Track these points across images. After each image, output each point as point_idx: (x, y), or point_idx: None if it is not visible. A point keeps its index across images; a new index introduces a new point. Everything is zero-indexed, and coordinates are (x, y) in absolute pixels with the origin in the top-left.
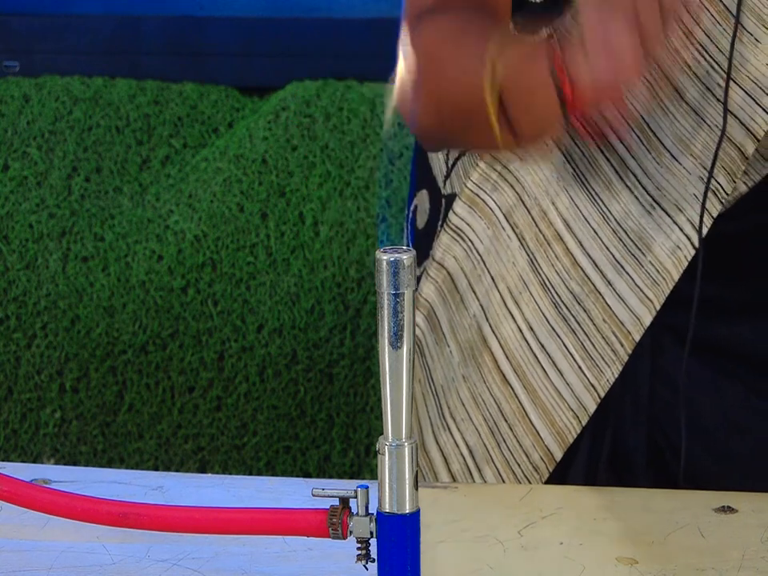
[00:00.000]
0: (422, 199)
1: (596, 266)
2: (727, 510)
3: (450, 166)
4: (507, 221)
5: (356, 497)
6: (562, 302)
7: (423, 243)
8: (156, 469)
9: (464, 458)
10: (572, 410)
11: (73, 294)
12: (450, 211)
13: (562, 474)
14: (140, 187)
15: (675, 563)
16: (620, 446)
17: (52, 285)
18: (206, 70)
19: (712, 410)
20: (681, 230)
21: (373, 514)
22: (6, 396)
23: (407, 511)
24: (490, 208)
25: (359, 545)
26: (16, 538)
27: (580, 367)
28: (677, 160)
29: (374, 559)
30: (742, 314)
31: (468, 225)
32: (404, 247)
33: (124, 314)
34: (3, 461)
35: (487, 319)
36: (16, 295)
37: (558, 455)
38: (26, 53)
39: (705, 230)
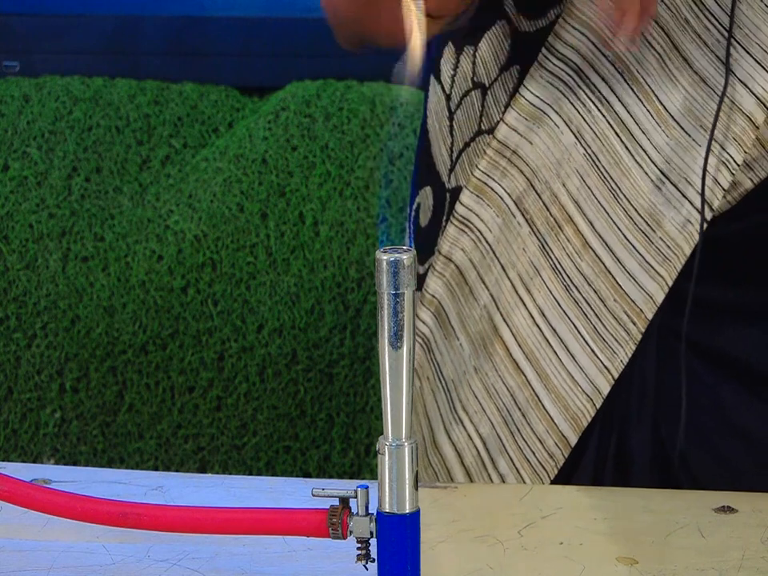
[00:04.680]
0: (425, 196)
1: (607, 245)
2: (727, 510)
3: (454, 159)
4: (517, 207)
5: (356, 497)
6: (573, 284)
7: (427, 241)
8: (156, 469)
9: (477, 451)
10: (585, 394)
11: (73, 294)
12: (457, 202)
13: (569, 474)
14: (140, 187)
15: (675, 563)
16: (625, 447)
17: (52, 285)
18: (206, 70)
19: (713, 412)
20: (691, 203)
21: (373, 513)
22: (6, 396)
23: (407, 511)
24: (499, 195)
25: (359, 545)
26: (16, 537)
27: (592, 350)
28: (686, 132)
29: (374, 559)
30: (745, 316)
31: (476, 214)
32: (404, 247)
33: (124, 314)
34: (3, 461)
35: (498, 308)
36: (16, 295)
37: (573, 440)
38: (26, 53)
39: (716, 203)
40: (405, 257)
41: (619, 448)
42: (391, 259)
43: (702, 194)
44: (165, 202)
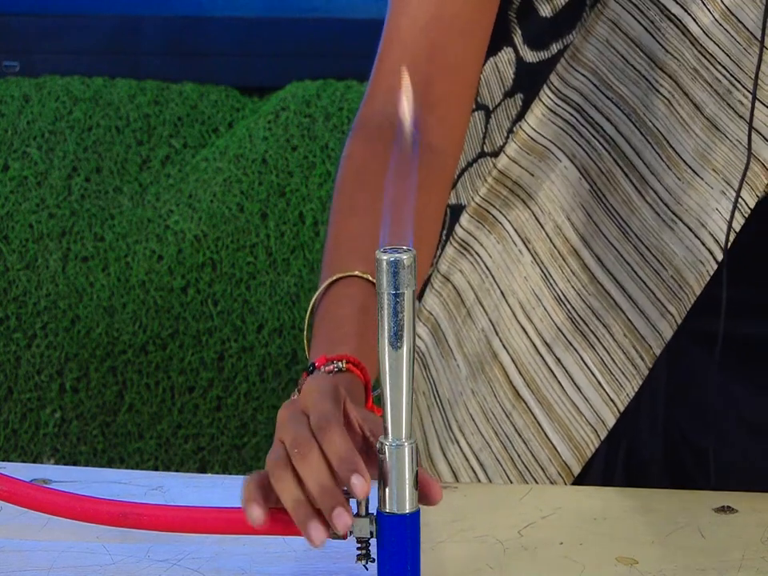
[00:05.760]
0: None
1: (616, 281)
2: (727, 510)
3: (456, 176)
4: (519, 236)
5: None
6: (579, 316)
7: None
8: (156, 469)
9: (475, 472)
10: (590, 425)
11: (73, 294)
12: (456, 225)
13: (578, 482)
14: (140, 187)
15: (675, 563)
16: (636, 451)
17: (52, 285)
18: (206, 70)
19: (727, 411)
20: (703, 244)
21: (373, 513)
22: (6, 396)
23: (407, 511)
24: (500, 223)
25: (359, 545)
26: (16, 537)
27: (599, 382)
28: (698, 175)
29: (374, 559)
30: (760, 315)
31: (475, 239)
32: (404, 247)
33: (124, 314)
34: (3, 461)
35: (497, 333)
36: (16, 295)
37: (576, 469)
38: (26, 53)
39: (729, 245)
40: (405, 257)
41: (630, 454)
42: (391, 259)
43: (726, 247)
44: (165, 202)
